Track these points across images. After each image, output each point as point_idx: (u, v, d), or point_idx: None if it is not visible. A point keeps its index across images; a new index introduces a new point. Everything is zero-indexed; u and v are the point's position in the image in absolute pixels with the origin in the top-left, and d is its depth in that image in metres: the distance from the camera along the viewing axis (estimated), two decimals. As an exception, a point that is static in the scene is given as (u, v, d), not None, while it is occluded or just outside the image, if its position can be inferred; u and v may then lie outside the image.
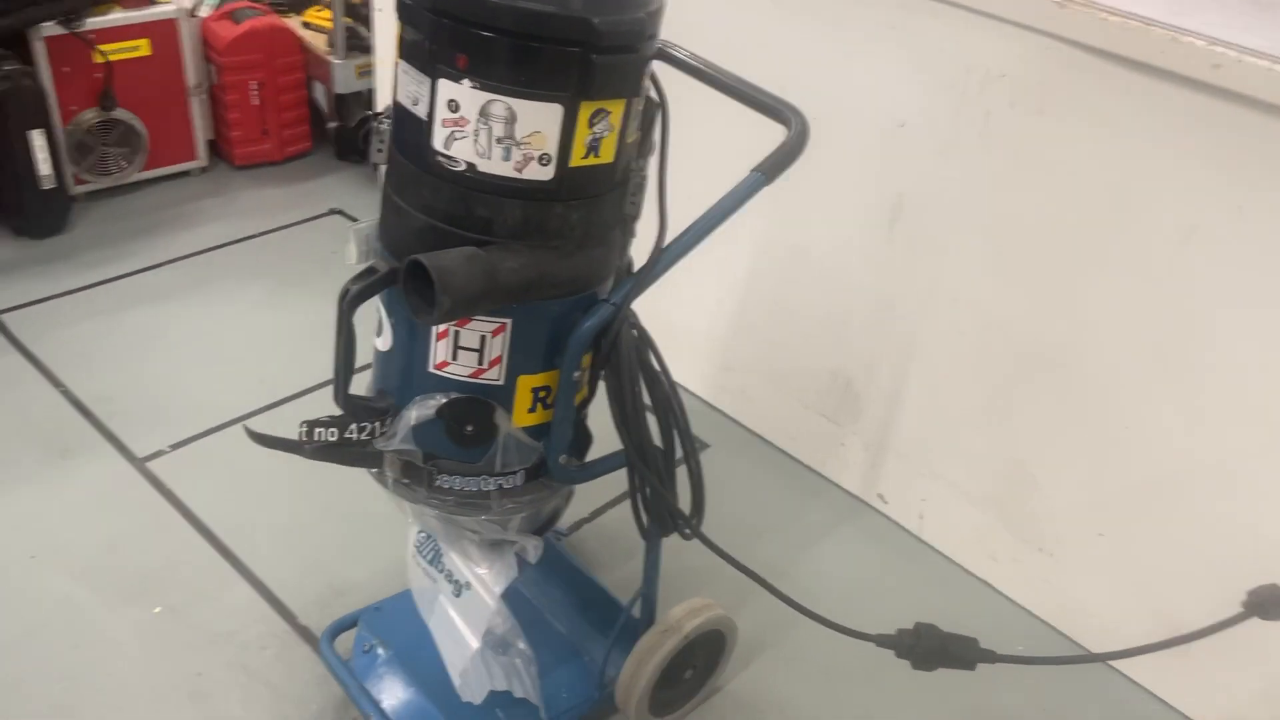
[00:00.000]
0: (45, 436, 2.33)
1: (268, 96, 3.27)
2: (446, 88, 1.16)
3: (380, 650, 1.82)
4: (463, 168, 1.20)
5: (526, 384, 1.36)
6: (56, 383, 2.47)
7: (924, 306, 2.07)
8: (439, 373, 1.34)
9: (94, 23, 2.89)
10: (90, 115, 2.99)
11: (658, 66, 1.32)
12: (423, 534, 1.67)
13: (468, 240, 1.22)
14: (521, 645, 1.75)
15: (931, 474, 2.20)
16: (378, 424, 1.37)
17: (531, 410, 1.39)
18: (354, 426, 1.36)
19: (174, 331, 2.67)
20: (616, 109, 1.21)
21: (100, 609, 1.96)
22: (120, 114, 3.04)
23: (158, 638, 1.92)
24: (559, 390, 1.36)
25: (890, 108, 1.96)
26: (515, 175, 1.20)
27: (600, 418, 1.51)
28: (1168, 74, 1.60)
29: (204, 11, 3.24)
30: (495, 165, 1.19)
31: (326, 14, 3.29)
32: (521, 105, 1.16)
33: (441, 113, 1.18)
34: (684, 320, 2.54)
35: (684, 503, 1.57)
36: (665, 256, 1.37)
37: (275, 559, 2.08)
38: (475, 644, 1.63)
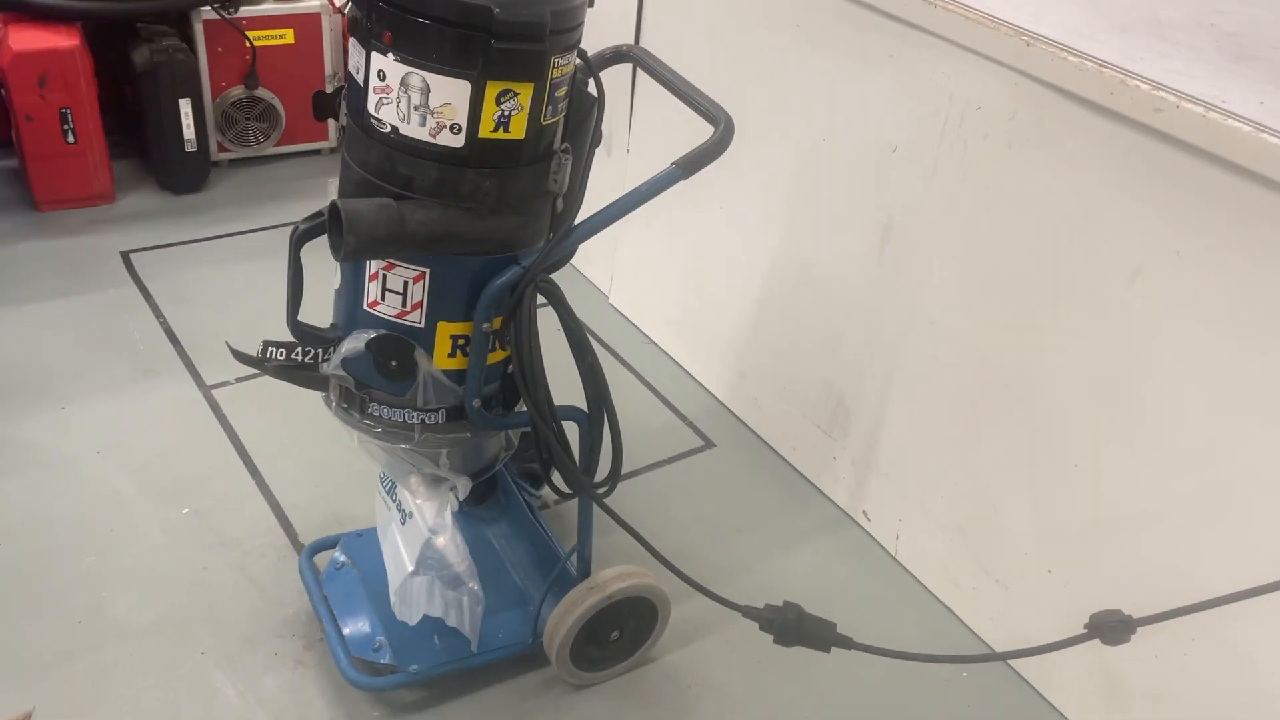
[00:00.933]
0: (138, 357, 2.68)
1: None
2: (377, 59, 1.37)
3: (351, 570, 2.04)
4: (389, 130, 1.40)
5: (445, 330, 1.55)
6: (159, 314, 2.83)
7: (906, 328, 2.13)
8: (372, 311, 1.54)
9: (247, 11, 3.30)
10: (237, 91, 3.40)
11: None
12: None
13: (391, 193, 1.42)
14: (474, 585, 1.92)
15: (907, 496, 2.25)
16: (321, 351, 1.58)
17: (451, 355, 1.57)
18: (299, 350, 1.58)
19: (268, 284, 2.99)
20: (524, 91, 1.38)
21: (140, 503, 2.27)
22: (262, 93, 3.44)
23: (179, 534, 2.20)
24: (473, 340, 1.54)
25: (884, 132, 2.05)
26: (430, 140, 1.39)
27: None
28: (1116, 115, 1.64)
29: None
30: (414, 130, 1.39)
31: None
32: (434, 79, 1.35)
33: (373, 81, 1.39)
34: (711, 324, 2.68)
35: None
36: (575, 233, 1.53)
37: (294, 485, 2.34)
38: (410, 567, 1.82)
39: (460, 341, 1.56)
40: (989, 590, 2.11)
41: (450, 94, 1.36)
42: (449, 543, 1.99)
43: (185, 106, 3.22)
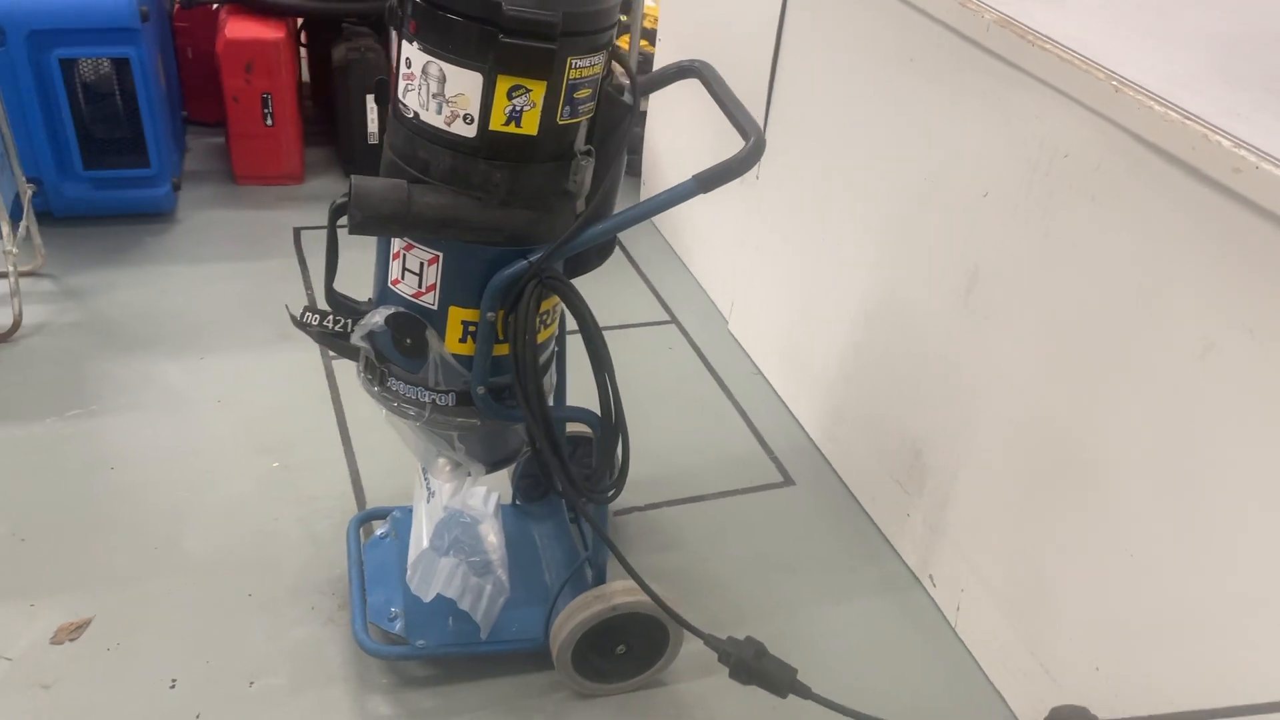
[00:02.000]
0: (278, 322, 2.88)
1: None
2: (405, 47, 1.44)
3: (393, 542, 2.13)
4: (412, 115, 1.47)
5: (457, 315, 1.60)
6: (308, 286, 3.06)
7: (982, 386, 2.00)
8: (394, 288, 1.62)
9: (439, 18, 3.52)
10: (422, 92, 3.63)
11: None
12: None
13: (411, 176, 1.49)
14: (502, 575, 1.97)
15: (973, 566, 2.10)
16: (351, 321, 1.67)
17: (462, 341, 1.62)
18: (332, 319, 1.67)
19: None
20: (537, 88, 1.42)
21: (240, 451, 2.46)
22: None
23: (264, 484, 2.37)
24: (479, 328, 1.58)
25: (978, 176, 1.94)
26: (444, 128, 1.45)
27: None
28: (1197, 173, 1.48)
29: None
30: (431, 117, 1.45)
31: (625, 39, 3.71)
32: (449, 69, 1.41)
33: (402, 68, 1.46)
34: (812, 361, 2.61)
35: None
36: (584, 233, 1.54)
37: (376, 457, 2.47)
38: (425, 543, 1.89)
39: (470, 328, 1.60)
40: (1038, 679, 1.93)
41: (464, 84, 1.41)
42: (489, 531, 2.05)
43: (371, 103, 3.47)
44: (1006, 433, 1.96)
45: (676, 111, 3.19)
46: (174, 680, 1.92)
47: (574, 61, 1.43)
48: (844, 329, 2.45)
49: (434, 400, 1.67)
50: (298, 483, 2.38)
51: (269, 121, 3.41)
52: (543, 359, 1.72)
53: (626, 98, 1.57)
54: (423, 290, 1.59)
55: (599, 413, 1.70)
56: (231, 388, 2.65)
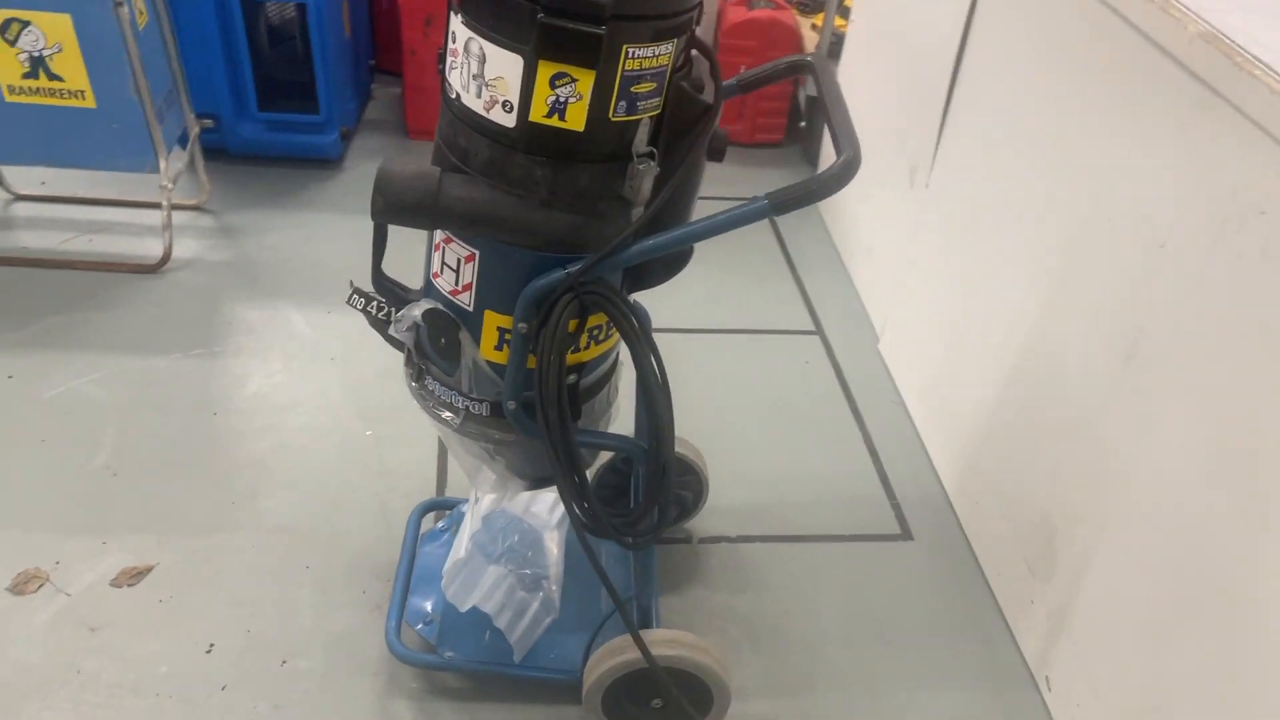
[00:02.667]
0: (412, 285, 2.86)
1: (755, 82, 3.49)
2: (453, 20, 1.28)
3: (450, 536, 2.01)
4: (455, 96, 1.31)
5: (492, 320, 1.43)
6: (449, 250, 3.00)
7: (1134, 473, 1.66)
8: (434, 281, 1.47)
9: None
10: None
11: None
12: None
13: (450, 164, 1.33)
14: (554, 593, 1.83)
15: (1092, 680, 1.77)
16: (393, 310, 1.54)
17: (498, 348, 1.45)
18: (375, 304, 1.55)
19: None
20: (584, 79, 1.22)
21: (338, 413, 2.42)
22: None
23: (352, 451, 2.32)
24: (512, 338, 1.41)
25: (1156, 223, 1.59)
26: (484, 114, 1.28)
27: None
28: None
29: (735, -6, 3.55)
30: (471, 100, 1.28)
31: (820, 17, 3.41)
32: (490, 49, 1.23)
33: (449, 41, 1.30)
34: (957, 404, 2.31)
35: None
36: (634, 246, 1.33)
37: (469, 439, 2.37)
38: (462, 552, 1.76)
39: (506, 335, 1.44)
40: (1145, 836, 1.60)
41: (504, 67, 1.23)
42: (552, 542, 1.91)
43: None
44: (1153, 534, 1.61)
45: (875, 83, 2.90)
46: (211, 645, 1.89)
47: (632, 50, 1.22)
48: (992, 373, 2.13)
49: (468, 408, 1.52)
50: (384, 455, 2.32)
51: (443, 77, 3.36)
52: (590, 379, 1.53)
53: (706, 96, 1.35)
54: (459, 288, 1.43)
55: (646, 442, 1.50)
56: (348, 347, 2.61)
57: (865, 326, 2.85)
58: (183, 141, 2.90)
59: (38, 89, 2.52)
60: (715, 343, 2.69)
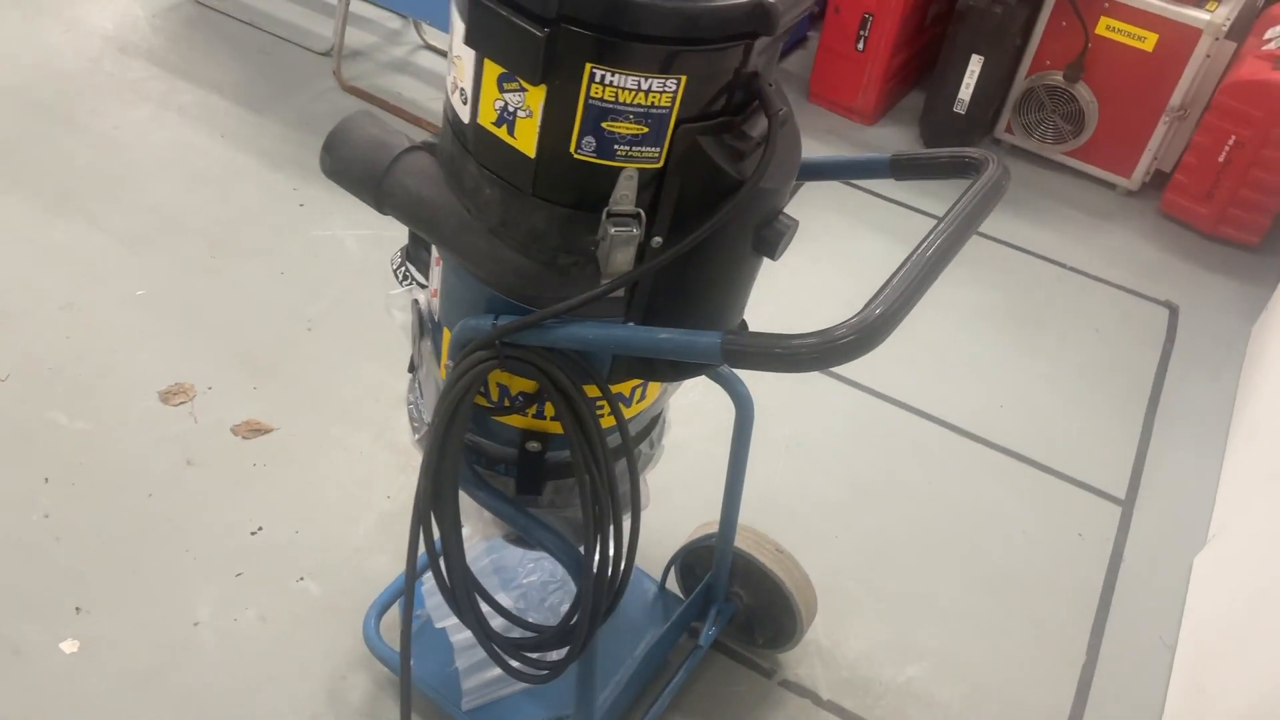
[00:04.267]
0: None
1: (1240, 159, 2.67)
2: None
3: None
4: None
5: (448, 340, 1.16)
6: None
7: None
8: (436, 267, 1.22)
9: (1122, -6, 2.68)
10: (1054, 76, 2.85)
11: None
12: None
13: (434, 148, 1.07)
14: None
15: None
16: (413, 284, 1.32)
17: (455, 376, 1.18)
18: (402, 272, 1.33)
19: (794, 281, 2.54)
20: (534, 91, 0.88)
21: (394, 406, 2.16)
22: (1080, 90, 2.83)
23: (398, 452, 2.07)
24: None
25: None
26: (450, 96, 0.99)
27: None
28: None
29: (1272, 44, 2.70)
30: (449, 80, 1.00)
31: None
32: (456, 20, 0.94)
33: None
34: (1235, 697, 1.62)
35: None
36: (561, 329, 0.98)
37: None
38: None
39: (464, 366, 1.16)
40: None
41: (462, 49, 0.93)
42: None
43: (974, 64, 2.81)
44: None
45: None
46: (259, 528, 1.87)
47: (600, 73, 0.85)
48: None
49: (425, 424, 1.27)
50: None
51: (860, 45, 2.96)
52: (561, 455, 1.21)
53: (744, 166, 0.93)
54: (433, 292, 1.18)
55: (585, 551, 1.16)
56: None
57: (1196, 524, 2.10)
58: None
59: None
60: (980, 458, 2.13)
